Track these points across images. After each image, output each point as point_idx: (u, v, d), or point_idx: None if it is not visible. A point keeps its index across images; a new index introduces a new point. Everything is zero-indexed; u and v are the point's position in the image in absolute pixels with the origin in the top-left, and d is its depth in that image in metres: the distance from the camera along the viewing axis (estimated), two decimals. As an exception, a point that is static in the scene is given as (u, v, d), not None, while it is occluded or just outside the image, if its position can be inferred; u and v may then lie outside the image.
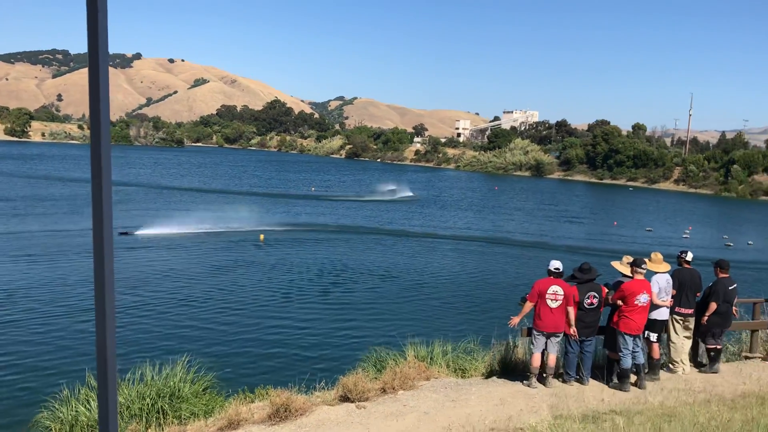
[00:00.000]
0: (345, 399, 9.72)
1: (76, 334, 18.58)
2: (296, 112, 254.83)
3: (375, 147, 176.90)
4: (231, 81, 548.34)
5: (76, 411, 9.67)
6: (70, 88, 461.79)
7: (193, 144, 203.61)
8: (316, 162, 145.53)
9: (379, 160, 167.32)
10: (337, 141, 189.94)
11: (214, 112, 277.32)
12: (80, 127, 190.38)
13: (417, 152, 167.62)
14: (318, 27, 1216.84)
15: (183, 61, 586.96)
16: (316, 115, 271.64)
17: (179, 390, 10.11)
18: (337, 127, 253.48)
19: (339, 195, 70.46)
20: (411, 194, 77.38)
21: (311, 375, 12.23)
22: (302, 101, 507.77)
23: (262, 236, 37.88)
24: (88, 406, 9.70)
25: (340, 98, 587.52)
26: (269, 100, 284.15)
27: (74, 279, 25.44)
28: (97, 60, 1.29)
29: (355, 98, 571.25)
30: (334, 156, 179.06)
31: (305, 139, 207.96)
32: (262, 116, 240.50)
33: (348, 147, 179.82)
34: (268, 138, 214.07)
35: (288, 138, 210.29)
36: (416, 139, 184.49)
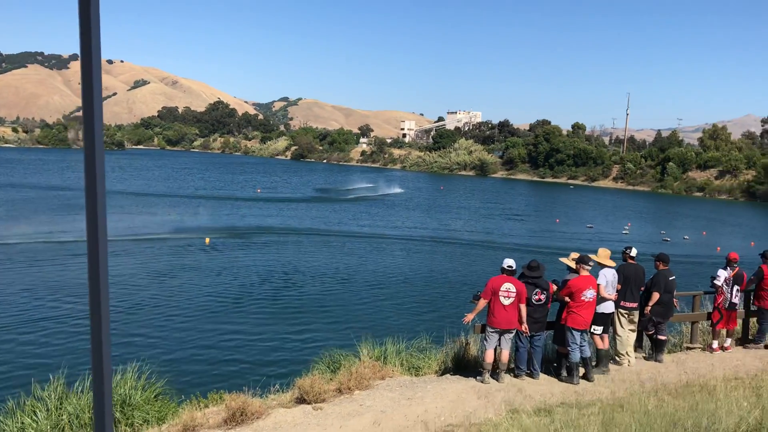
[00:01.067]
0: (301, 401, 9.70)
1: (18, 346, 18.00)
2: (240, 114, 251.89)
3: (321, 148, 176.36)
4: (172, 82, 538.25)
5: (22, 423, 9.39)
6: (3, 90, 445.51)
7: (134, 147, 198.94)
8: (262, 163, 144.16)
9: (325, 161, 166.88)
10: (282, 142, 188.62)
11: (155, 114, 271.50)
12: (15, 130, 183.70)
13: (363, 153, 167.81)
14: (261, 27, 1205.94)
15: (122, 62, 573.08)
16: (261, 116, 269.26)
17: (130, 397, 9.91)
18: (282, 128, 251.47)
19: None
20: (399, 191, 79.32)
21: (266, 378, 12.18)
22: (246, 102, 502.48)
23: (207, 239, 37.33)
24: (34, 417, 9.43)
25: (285, 99, 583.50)
26: (212, 101, 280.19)
27: (10, 290, 24.62)
28: (90, 68, 1.29)
29: (300, 99, 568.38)
30: (279, 157, 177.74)
31: (249, 140, 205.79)
32: (204, 118, 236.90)
33: (293, 148, 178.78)
34: (211, 140, 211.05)
35: (232, 140, 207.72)
36: (362, 139, 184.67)
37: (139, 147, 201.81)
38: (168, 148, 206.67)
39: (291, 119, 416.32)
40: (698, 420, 5.83)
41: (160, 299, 23.98)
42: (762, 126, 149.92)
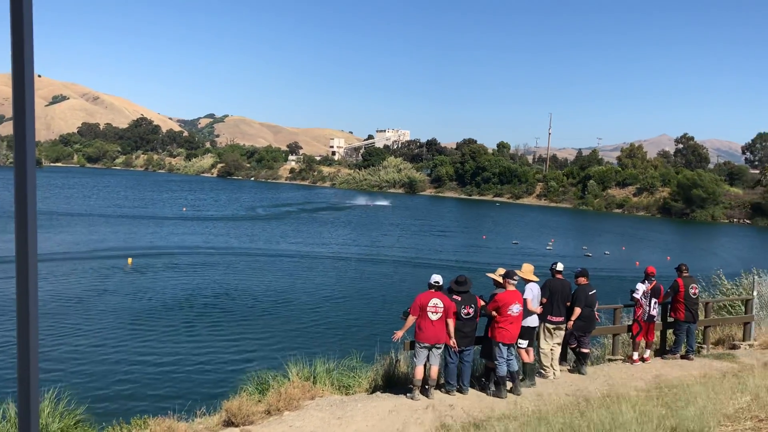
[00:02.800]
0: (229, 423, 9.51)
1: None
2: (164, 130, 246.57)
3: (248, 165, 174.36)
4: (93, 98, 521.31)
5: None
6: None
7: (52, 164, 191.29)
8: (187, 181, 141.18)
9: (252, 178, 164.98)
10: (208, 159, 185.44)
11: (75, 131, 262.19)
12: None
13: (292, 170, 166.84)
14: (187, 42, 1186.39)
15: (40, 76, 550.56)
16: (186, 133, 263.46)
17: (47, 426, 9.47)
18: (207, 145, 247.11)
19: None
20: (386, 203, 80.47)
21: (192, 401, 11.88)
22: (170, 119, 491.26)
23: (130, 260, 36.21)
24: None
25: (211, 116, 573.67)
26: (135, 117, 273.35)
27: None
28: (23, 84, 1.26)
29: (227, 116, 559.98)
30: (205, 175, 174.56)
31: (174, 157, 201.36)
32: (127, 134, 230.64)
33: (220, 166, 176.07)
34: (134, 157, 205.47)
35: (156, 157, 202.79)
36: (291, 157, 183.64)
37: (57, 165, 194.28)
38: (88, 165, 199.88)
39: (217, 136, 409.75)
40: (617, 430, 6.05)
41: (80, 322, 23.06)
42: (675, 145, 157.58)
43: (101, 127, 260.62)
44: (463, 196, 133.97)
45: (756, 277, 16.42)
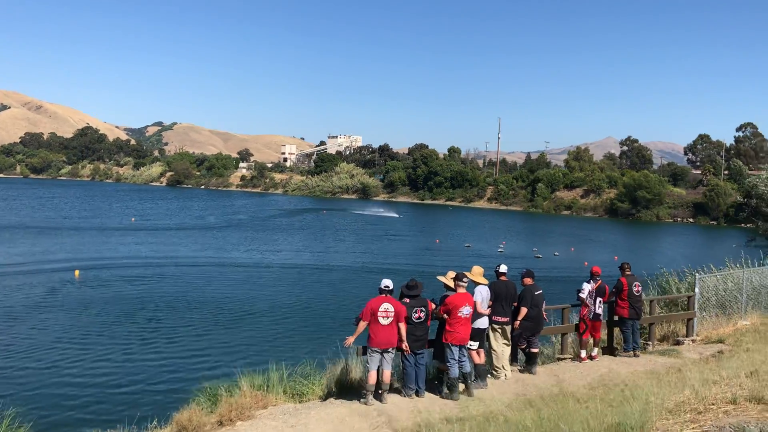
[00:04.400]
0: (180, 436, 9.36)
1: None
2: (111, 139, 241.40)
3: (198, 173, 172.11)
4: (36, 107, 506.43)
5: None
6: None
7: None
8: (136, 191, 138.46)
9: (203, 186, 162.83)
10: (156, 168, 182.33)
11: (18, 141, 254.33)
12: None
13: (243, 178, 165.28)
14: (132, 49, 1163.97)
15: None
16: (133, 142, 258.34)
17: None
18: (156, 153, 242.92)
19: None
20: (395, 215, 79.70)
21: (143, 414, 11.65)
22: (117, 127, 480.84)
23: (77, 272, 35.30)
24: None
25: (159, 124, 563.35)
26: (80, 126, 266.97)
27: None
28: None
29: (175, 123, 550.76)
30: (154, 184, 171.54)
31: (122, 167, 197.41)
32: (72, 144, 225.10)
33: (169, 174, 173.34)
34: (80, 167, 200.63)
35: (102, 166, 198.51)
36: (242, 164, 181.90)
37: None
38: (32, 176, 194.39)
39: (166, 144, 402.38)
40: (565, 426, 6.18)
41: (26, 337, 22.36)
42: (620, 147, 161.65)
43: (45, 136, 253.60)
44: (416, 201, 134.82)
45: (698, 274, 16.94)
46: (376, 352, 10.34)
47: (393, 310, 10.32)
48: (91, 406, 15.97)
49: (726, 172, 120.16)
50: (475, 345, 11.35)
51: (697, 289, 16.48)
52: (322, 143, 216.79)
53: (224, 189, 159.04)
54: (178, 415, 9.66)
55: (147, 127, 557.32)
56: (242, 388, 10.91)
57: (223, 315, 26.98)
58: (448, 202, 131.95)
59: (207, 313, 27.27)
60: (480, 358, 11.51)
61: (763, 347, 12.49)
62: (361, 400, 10.43)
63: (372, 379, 10.37)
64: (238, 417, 9.85)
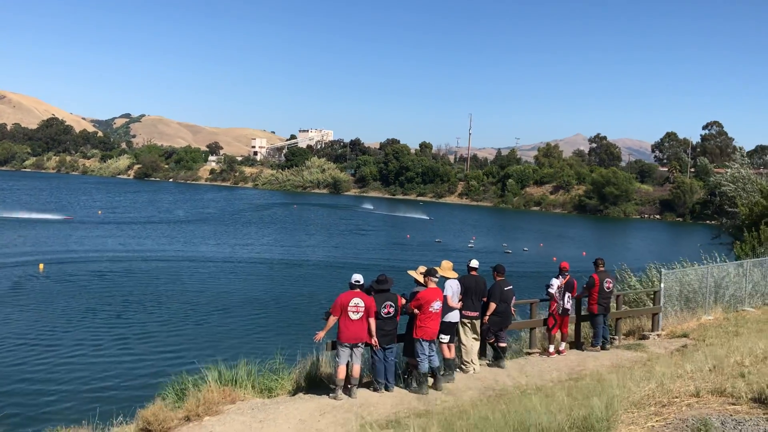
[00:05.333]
0: (146, 431, 9.25)
1: None
2: (77, 131, 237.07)
3: (167, 166, 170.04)
4: (0, 97, 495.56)
5: None
6: None
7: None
8: (103, 183, 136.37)
9: (171, 179, 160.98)
10: (124, 161, 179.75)
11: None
12: None
13: (212, 171, 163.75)
14: (100, 40, 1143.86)
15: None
16: (100, 134, 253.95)
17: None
18: (123, 146, 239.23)
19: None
20: (426, 217, 78.41)
21: (109, 410, 11.47)
22: (84, 119, 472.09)
23: (41, 265, 34.67)
24: None
25: (127, 116, 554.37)
26: (45, 117, 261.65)
27: None
28: None
29: (143, 115, 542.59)
30: (121, 176, 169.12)
31: (88, 159, 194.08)
32: (37, 135, 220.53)
33: (137, 167, 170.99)
34: (45, 159, 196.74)
35: (69, 158, 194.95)
36: (211, 157, 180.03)
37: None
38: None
39: (134, 137, 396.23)
40: (532, 420, 6.23)
41: (-15, 333, 21.91)
42: (589, 145, 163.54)
43: (9, 127, 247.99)
44: (387, 196, 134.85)
45: (663, 270, 17.20)
46: (346, 346, 10.32)
47: (363, 305, 10.30)
48: (56, 402, 15.73)
49: (692, 170, 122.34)
50: (446, 339, 11.39)
51: (662, 285, 16.74)
52: (293, 137, 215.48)
53: (193, 182, 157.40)
54: (144, 411, 9.55)
55: (114, 119, 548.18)
56: (210, 383, 10.81)
57: (191, 310, 26.74)
58: (420, 198, 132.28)
59: (175, 308, 27.00)
60: (450, 353, 11.56)
61: (726, 341, 12.73)
62: (331, 395, 10.41)
63: (341, 373, 10.35)
64: (206, 412, 9.76)
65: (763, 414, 6.61)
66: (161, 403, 10.07)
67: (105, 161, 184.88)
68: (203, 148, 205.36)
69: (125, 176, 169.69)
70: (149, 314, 25.68)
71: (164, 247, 46.32)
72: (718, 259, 20.03)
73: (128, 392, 16.58)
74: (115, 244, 46.38)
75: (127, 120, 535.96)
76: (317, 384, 11.09)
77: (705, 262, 19.43)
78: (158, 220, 66.30)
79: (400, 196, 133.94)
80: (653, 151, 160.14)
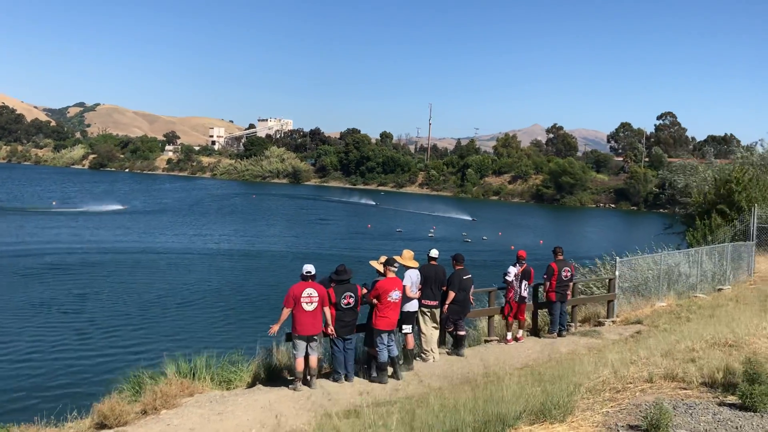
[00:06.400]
0: (102, 426, 9.09)
1: None
2: (29, 120, 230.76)
3: (123, 156, 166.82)
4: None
5: None
6: None
7: None
8: (57, 173, 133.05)
9: (127, 170, 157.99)
10: (78, 150, 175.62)
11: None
12: None
13: (169, 161, 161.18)
14: (52, 26, 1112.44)
15: None
16: (53, 123, 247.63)
17: None
18: (78, 135, 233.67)
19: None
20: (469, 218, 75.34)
21: (62, 405, 11.23)
22: (36, 107, 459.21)
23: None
24: None
25: (81, 104, 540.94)
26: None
27: None
28: None
29: (98, 104, 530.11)
30: (76, 167, 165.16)
31: (41, 148, 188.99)
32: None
33: (92, 157, 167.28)
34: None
35: (20, 148, 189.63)
36: (168, 147, 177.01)
37: None
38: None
39: (88, 126, 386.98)
40: (491, 407, 6.30)
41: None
42: (547, 135, 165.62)
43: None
44: (347, 186, 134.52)
45: (618, 258, 17.54)
46: (302, 338, 10.26)
47: (317, 295, 10.25)
48: (7, 398, 15.34)
49: (647, 159, 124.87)
50: (407, 329, 11.43)
51: (617, 273, 17.08)
52: (252, 126, 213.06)
53: (150, 172, 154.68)
54: (100, 405, 9.37)
55: (68, 107, 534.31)
56: (168, 375, 10.68)
57: (149, 302, 26.33)
58: (380, 188, 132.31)
59: (132, 300, 26.56)
60: (410, 342, 11.61)
61: (678, 327, 13.06)
62: (290, 386, 10.37)
63: (300, 365, 10.31)
64: (163, 405, 9.64)
65: (713, 397, 6.81)
66: (118, 397, 9.91)
67: (59, 151, 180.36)
68: (160, 137, 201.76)
69: (80, 166, 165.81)
70: (105, 308, 25.20)
71: (120, 237, 45.48)
72: (672, 248, 20.54)
73: (84, 388, 16.28)
74: (69, 235, 45.34)
75: (82, 109, 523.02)
76: (277, 375, 11.04)
77: (658, 250, 19.90)
78: (114, 211, 65.00)
79: (361, 186, 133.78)
80: (609, 141, 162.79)
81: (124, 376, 11.59)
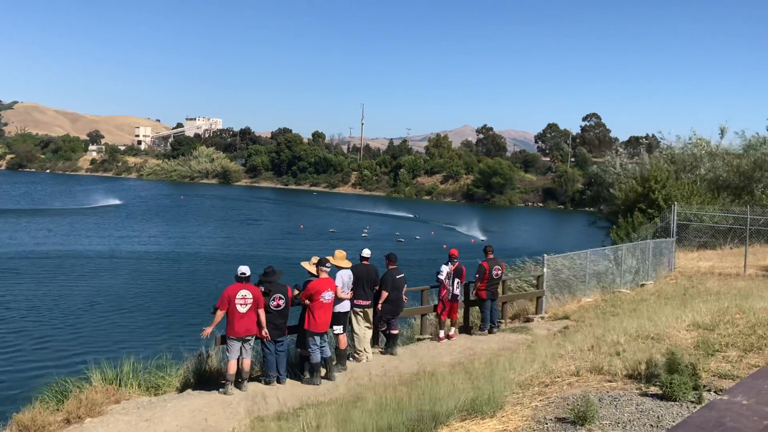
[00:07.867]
0: (22, 438, 8.69)
1: None
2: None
3: (43, 156, 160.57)
4: None
5: None
6: None
7: None
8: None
9: (48, 170, 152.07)
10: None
11: None
12: None
13: (93, 161, 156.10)
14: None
15: None
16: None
17: None
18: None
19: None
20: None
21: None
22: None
23: None
24: None
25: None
26: None
27: None
28: None
29: (16, 102, 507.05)
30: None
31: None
32: None
33: (10, 157, 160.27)
34: None
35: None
36: (91, 147, 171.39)
37: None
38: None
39: (6, 125, 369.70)
40: (424, 405, 6.34)
41: None
42: (477, 135, 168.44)
43: None
44: (279, 186, 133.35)
45: (546, 255, 17.97)
46: (236, 340, 10.10)
47: (252, 296, 10.11)
48: None
49: (573, 159, 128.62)
50: (339, 329, 11.38)
51: (545, 269, 17.50)
52: (180, 126, 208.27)
53: (72, 173, 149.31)
54: (20, 416, 8.97)
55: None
56: (93, 382, 10.32)
57: (73, 308, 25.39)
58: (313, 188, 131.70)
59: (55, 306, 25.55)
60: (343, 342, 11.58)
61: (603, 322, 13.47)
62: (221, 390, 10.19)
63: (232, 368, 10.14)
64: (87, 413, 9.30)
65: (636, 389, 7.04)
66: (40, 407, 9.50)
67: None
68: (83, 137, 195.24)
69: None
70: (26, 315, 24.13)
71: (41, 240, 43.65)
72: (597, 245, 21.20)
73: (2, 397, 15.54)
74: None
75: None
76: (207, 380, 10.81)
77: (584, 247, 20.51)
78: (33, 212, 62.37)
79: (293, 186, 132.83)
80: (536, 141, 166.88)
81: (47, 385, 11.13)
